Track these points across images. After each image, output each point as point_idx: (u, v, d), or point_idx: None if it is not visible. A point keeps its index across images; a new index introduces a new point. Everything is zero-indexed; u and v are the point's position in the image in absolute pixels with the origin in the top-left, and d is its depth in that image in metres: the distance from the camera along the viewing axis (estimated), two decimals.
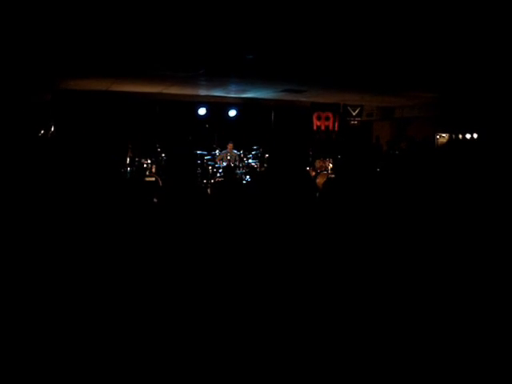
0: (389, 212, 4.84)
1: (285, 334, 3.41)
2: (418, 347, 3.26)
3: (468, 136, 11.90)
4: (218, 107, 12.47)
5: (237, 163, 12.14)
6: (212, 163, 12.22)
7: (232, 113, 12.78)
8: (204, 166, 11.95)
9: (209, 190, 10.33)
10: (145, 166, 10.88)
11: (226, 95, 11.81)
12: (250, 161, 12.69)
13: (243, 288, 3.95)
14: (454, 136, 12.33)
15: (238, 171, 11.80)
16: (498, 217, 4.88)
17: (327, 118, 13.26)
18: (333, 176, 10.27)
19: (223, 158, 12.35)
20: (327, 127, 13.25)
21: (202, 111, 12.37)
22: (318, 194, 6.26)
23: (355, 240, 4.51)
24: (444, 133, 12.66)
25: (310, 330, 3.47)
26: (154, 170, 10.82)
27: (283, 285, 4.01)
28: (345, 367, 3.09)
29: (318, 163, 11.89)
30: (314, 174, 11.22)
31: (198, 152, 12.30)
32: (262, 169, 12.09)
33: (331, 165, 11.60)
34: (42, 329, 3.31)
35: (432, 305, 3.74)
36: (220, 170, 11.82)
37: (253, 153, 12.94)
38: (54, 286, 3.78)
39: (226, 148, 12.49)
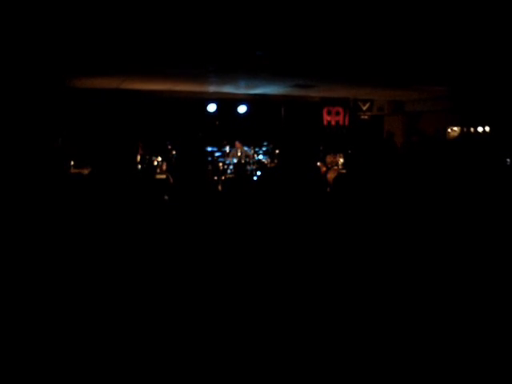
0: (400, 208, 4.82)
1: (288, 332, 3.41)
2: (418, 347, 3.24)
3: (480, 129, 11.80)
4: (227, 103, 12.46)
5: (247, 159, 12.13)
6: (222, 160, 12.22)
7: (242, 109, 12.76)
8: (214, 162, 11.96)
9: (219, 187, 10.35)
10: (155, 163, 10.91)
11: (235, 91, 11.80)
12: (261, 157, 12.67)
13: (254, 284, 3.95)
14: (465, 129, 12.23)
15: (249, 167, 11.79)
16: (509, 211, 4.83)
17: (337, 113, 13.19)
18: (343, 171, 10.24)
19: (234, 154, 12.34)
20: (337, 122, 13.19)
21: (211, 108, 12.36)
22: (328, 190, 6.24)
23: (365, 235, 4.49)
24: (455, 126, 12.56)
25: (311, 328, 3.46)
26: (164, 167, 10.84)
27: (292, 281, 4.00)
28: (345, 367, 3.08)
29: (328, 158, 11.85)
30: (324, 169, 11.18)
31: (209, 149, 12.31)
32: (273, 165, 12.07)
33: (342, 160, 11.57)
34: (43, 327, 3.34)
35: (436, 304, 3.72)
36: (230, 167, 11.82)
37: (263, 149, 12.92)
38: (62, 282, 3.81)
39: (234, 145, 12.52)
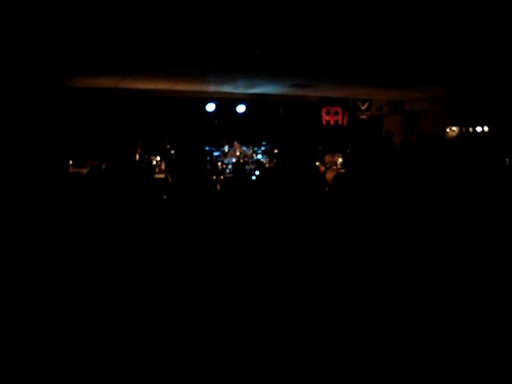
0: (399, 207, 4.82)
1: (285, 332, 3.40)
2: (418, 347, 3.24)
3: (479, 129, 11.80)
4: (226, 103, 12.45)
5: (246, 159, 12.13)
6: (221, 159, 12.22)
7: (241, 108, 12.75)
8: (213, 162, 11.96)
9: (218, 187, 10.33)
10: (154, 163, 10.90)
11: (234, 91, 11.79)
12: (259, 156, 12.67)
13: (251, 285, 3.95)
14: (464, 129, 12.23)
15: (247, 167, 11.80)
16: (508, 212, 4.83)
17: (336, 113, 13.19)
18: (342, 171, 10.24)
19: (232, 154, 12.35)
20: (336, 122, 13.19)
21: (210, 107, 12.36)
22: (327, 189, 6.24)
23: (364, 236, 4.49)
24: (454, 126, 12.56)
25: (310, 329, 3.46)
26: (163, 167, 10.84)
27: (292, 280, 4.00)
28: (345, 367, 3.08)
29: (327, 158, 11.85)
30: (323, 169, 11.18)
31: (207, 148, 12.31)
32: (271, 164, 12.07)
33: (340, 160, 11.57)
34: (43, 327, 3.33)
35: (434, 304, 3.72)
36: (229, 167, 11.82)
37: (262, 148, 12.92)
38: (61, 282, 3.81)
39: (233, 145, 12.52)
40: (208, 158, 12.00)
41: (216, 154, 12.48)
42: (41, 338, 3.24)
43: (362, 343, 3.29)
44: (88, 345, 3.20)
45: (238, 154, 12.28)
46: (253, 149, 12.75)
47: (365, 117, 13.36)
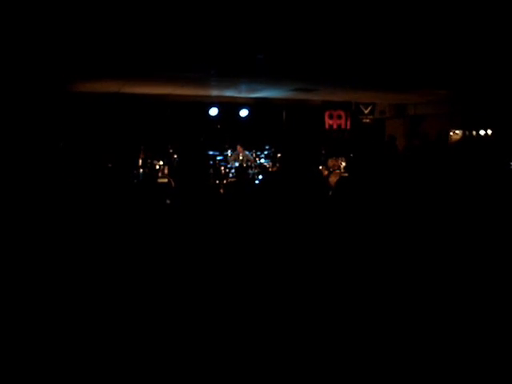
0: (401, 211, 4.80)
1: (286, 332, 3.39)
2: (418, 347, 3.23)
3: (482, 132, 11.77)
4: (229, 107, 12.45)
5: (249, 163, 12.13)
6: (224, 164, 12.22)
7: (243, 113, 12.75)
8: (216, 166, 11.95)
9: (221, 191, 10.33)
10: (157, 167, 10.90)
11: (237, 95, 11.80)
12: (262, 161, 12.66)
13: (256, 287, 3.94)
14: (467, 133, 12.20)
15: (250, 171, 11.79)
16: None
17: (339, 117, 13.19)
18: (345, 175, 10.23)
19: (235, 158, 12.34)
20: (339, 126, 13.18)
21: (213, 111, 12.36)
22: (330, 193, 6.23)
23: (367, 239, 4.48)
24: (458, 129, 12.53)
25: (310, 329, 3.45)
26: (166, 171, 10.83)
27: (295, 283, 3.99)
28: (345, 367, 3.07)
29: (330, 162, 11.83)
30: (326, 173, 11.17)
31: (210, 153, 12.31)
32: (274, 168, 12.06)
33: (344, 163, 11.55)
34: (44, 327, 3.33)
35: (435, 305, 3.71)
36: (232, 171, 11.82)
37: (265, 152, 12.91)
38: (64, 286, 3.80)
39: (236, 149, 12.52)
40: (211, 163, 11.99)
41: (219, 158, 12.48)
42: (41, 337, 3.23)
43: (362, 343, 3.27)
44: (88, 345, 3.19)
45: (240, 158, 12.26)
46: (256, 153, 12.74)
47: (368, 120, 13.35)
